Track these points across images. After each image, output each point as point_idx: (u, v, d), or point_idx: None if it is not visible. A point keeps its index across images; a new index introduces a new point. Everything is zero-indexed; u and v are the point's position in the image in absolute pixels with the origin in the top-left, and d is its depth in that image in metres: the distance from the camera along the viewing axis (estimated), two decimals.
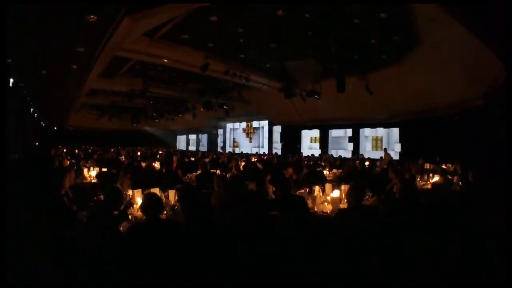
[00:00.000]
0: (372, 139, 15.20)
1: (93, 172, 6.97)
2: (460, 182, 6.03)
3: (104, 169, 6.92)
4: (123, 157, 11.52)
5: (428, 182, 6.44)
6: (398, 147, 14.02)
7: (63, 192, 3.66)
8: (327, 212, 3.89)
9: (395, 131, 14.23)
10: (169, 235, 2.50)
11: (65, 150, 15.38)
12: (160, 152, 15.67)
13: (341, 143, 16.22)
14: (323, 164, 9.56)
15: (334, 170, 8.48)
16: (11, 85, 8.67)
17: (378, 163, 9.62)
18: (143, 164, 7.58)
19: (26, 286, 2.35)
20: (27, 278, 2.27)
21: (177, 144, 27.60)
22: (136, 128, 23.03)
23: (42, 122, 20.64)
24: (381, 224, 2.96)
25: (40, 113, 16.93)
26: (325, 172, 7.96)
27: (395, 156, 13.32)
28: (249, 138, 20.36)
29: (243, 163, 8.38)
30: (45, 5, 4.42)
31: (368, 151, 14.84)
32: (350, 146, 15.73)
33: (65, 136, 22.97)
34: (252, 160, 10.32)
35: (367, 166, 8.44)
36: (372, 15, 6.78)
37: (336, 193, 4.16)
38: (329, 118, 15.19)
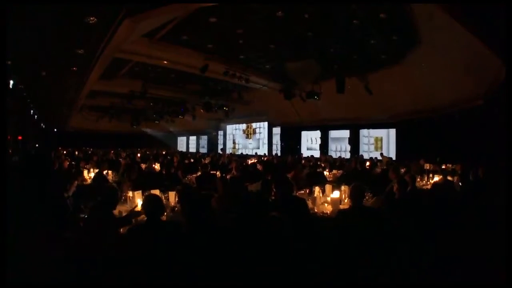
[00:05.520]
0: (373, 140, 15.16)
1: (93, 174, 6.96)
2: (460, 182, 6.03)
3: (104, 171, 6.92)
4: (122, 159, 11.50)
5: (428, 183, 6.43)
6: (396, 148, 13.99)
7: (66, 196, 3.66)
8: (327, 213, 3.89)
9: (395, 132, 14.20)
10: (169, 237, 2.50)
11: (65, 152, 15.38)
12: (163, 153, 15.68)
13: (340, 143, 16.19)
14: (323, 165, 9.54)
15: (334, 171, 8.47)
16: (11, 86, 8.67)
17: (378, 164, 9.61)
18: (143, 166, 7.57)
19: (26, 286, 2.34)
20: (27, 278, 2.26)
21: (178, 146, 27.59)
22: (136, 129, 23.00)
23: (42, 124, 20.64)
24: (381, 225, 2.96)
25: (40, 114, 16.93)
26: (325, 173, 7.94)
27: (395, 157, 13.28)
28: (249, 139, 20.34)
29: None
30: (45, 6, 4.43)
31: (366, 151, 14.81)
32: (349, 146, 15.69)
33: (65, 138, 22.97)
34: (250, 161, 10.29)
35: (367, 167, 8.42)
36: (372, 15, 6.78)
37: (336, 194, 4.15)
38: (329, 119, 15.19)
